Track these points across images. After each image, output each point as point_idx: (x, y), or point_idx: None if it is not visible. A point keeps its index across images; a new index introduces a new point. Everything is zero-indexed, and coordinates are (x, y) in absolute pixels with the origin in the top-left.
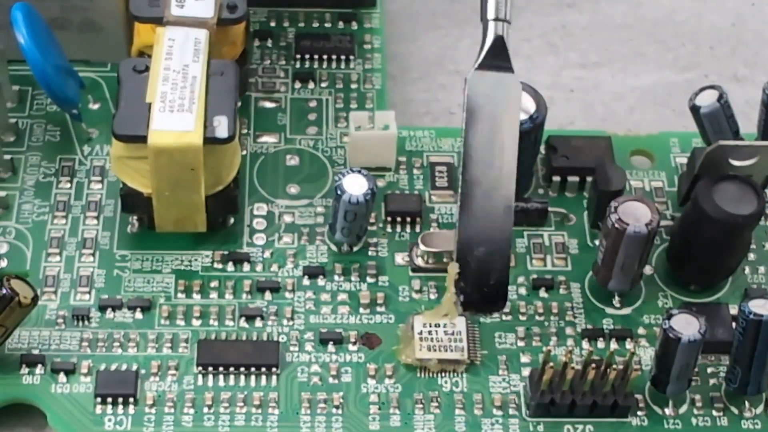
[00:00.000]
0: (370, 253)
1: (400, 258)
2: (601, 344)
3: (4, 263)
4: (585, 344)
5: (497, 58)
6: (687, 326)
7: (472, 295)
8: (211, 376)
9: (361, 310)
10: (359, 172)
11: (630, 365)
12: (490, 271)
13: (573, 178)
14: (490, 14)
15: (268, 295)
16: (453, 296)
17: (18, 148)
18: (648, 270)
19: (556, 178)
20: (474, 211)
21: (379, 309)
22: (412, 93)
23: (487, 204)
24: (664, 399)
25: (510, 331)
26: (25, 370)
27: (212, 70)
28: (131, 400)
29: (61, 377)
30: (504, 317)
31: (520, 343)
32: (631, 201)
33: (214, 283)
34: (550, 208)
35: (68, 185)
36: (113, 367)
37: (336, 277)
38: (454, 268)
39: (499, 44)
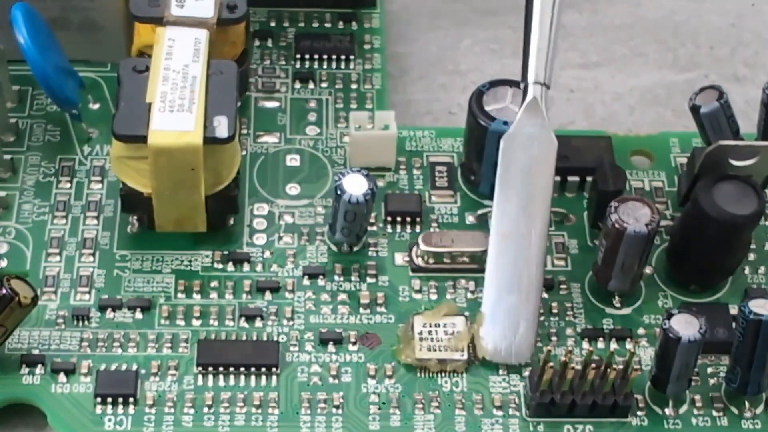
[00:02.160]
0: (370, 253)
1: (400, 258)
2: (601, 344)
3: (4, 263)
4: (585, 344)
5: (532, 119)
6: (687, 326)
7: (500, 343)
8: (211, 376)
9: (361, 310)
10: (359, 172)
11: (630, 365)
12: (519, 321)
13: (573, 178)
14: (531, 77)
15: (268, 295)
16: (479, 345)
17: (18, 148)
18: (648, 270)
19: (556, 178)
20: (505, 262)
21: (379, 309)
22: (412, 93)
23: (519, 256)
24: (664, 399)
25: None
26: (25, 370)
27: (212, 70)
28: (131, 400)
29: (61, 377)
30: None
31: None
32: (631, 201)
33: (214, 283)
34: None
35: (68, 185)
36: (113, 367)
37: (336, 277)
38: (482, 317)
39: (534, 106)
